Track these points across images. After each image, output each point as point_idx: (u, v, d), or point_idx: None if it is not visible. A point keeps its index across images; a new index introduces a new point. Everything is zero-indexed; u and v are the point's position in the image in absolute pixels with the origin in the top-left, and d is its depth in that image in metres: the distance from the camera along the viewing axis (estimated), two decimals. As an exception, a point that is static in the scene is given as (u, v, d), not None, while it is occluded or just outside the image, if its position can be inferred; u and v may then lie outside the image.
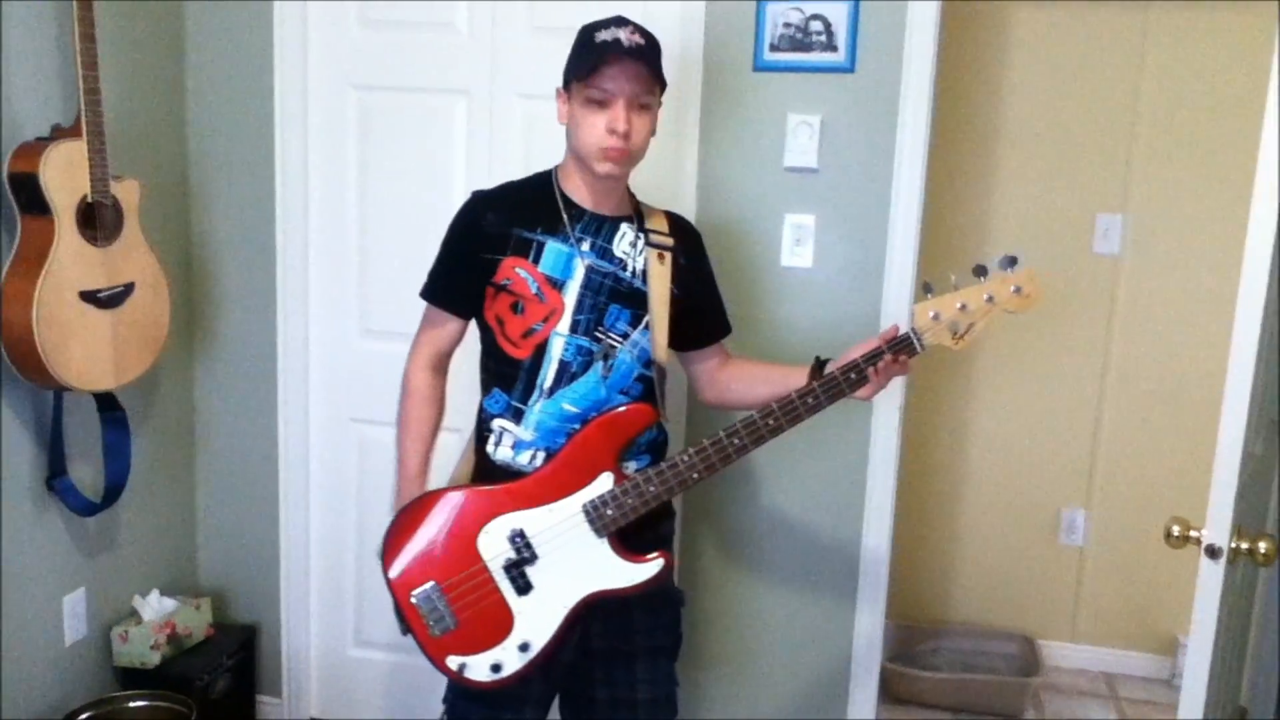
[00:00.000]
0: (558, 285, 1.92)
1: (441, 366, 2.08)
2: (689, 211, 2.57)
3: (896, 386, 2.53)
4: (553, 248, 1.92)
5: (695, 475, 1.88)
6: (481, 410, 2.02)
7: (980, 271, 1.88)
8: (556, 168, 2.01)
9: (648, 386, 1.98)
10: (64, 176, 2.24)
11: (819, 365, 1.92)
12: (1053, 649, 3.64)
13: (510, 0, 2.60)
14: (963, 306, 1.88)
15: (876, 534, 2.62)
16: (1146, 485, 3.50)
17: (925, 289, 1.90)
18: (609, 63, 1.82)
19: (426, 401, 2.05)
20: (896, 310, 2.51)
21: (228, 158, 2.83)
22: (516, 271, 1.92)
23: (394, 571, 1.93)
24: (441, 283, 2.02)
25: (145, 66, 2.70)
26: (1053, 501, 3.61)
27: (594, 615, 1.97)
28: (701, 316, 2.11)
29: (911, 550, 3.61)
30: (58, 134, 2.31)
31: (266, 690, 3.06)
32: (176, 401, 2.92)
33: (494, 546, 1.90)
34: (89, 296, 2.31)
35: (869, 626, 2.66)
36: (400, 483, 2.03)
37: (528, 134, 2.65)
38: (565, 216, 1.94)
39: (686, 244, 2.06)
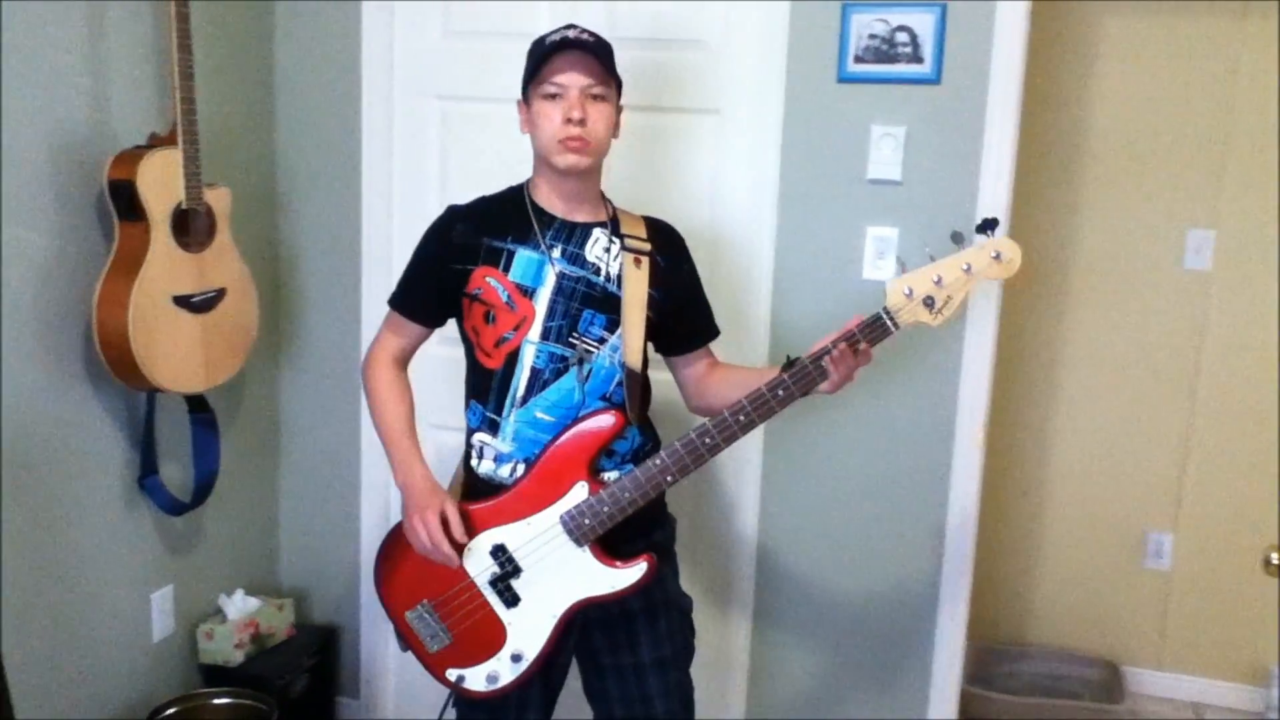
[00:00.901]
0: (528, 293, 1.94)
1: (402, 365, 2.10)
2: (769, 223, 2.56)
3: (979, 401, 2.49)
4: (523, 256, 1.94)
5: (669, 478, 1.88)
6: (466, 425, 2.05)
7: (958, 239, 1.84)
8: (528, 180, 2.04)
9: (634, 392, 1.98)
10: (159, 184, 2.30)
11: (790, 363, 1.88)
12: (1137, 675, 3.54)
13: (591, 8, 2.61)
14: (938, 280, 1.83)
15: (958, 553, 2.58)
16: (1236, 509, 3.39)
17: (899, 265, 1.86)
18: (558, 56, 1.87)
19: (393, 387, 2.05)
20: (980, 322, 2.47)
21: (314, 166, 2.89)
22: (487, 281, 1.94)
23: (387, 593, 2.01)
24: (406, 291, 2.06)
25: (236, 77, 2.77)
26: (1138, 523, 3.51)
27: (595, 629, 2.01)
28: (686, 319, 2.10)
29: (991, 570, 3.54)
30: (154, 142, 2.37)
31: (345, 691, 3.10)
32: (262, 404, 2.99)
33: (479, 563, 1.94)
34: (181, 301, 2.38)
35: (949, 647, 2.61)
36: (398, 479, 1.98)
37: (608, 144, 2.67)
38: (535, 224, 1.96)
39: (665, 247, 2.06)
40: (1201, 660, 3.51)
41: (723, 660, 2.78)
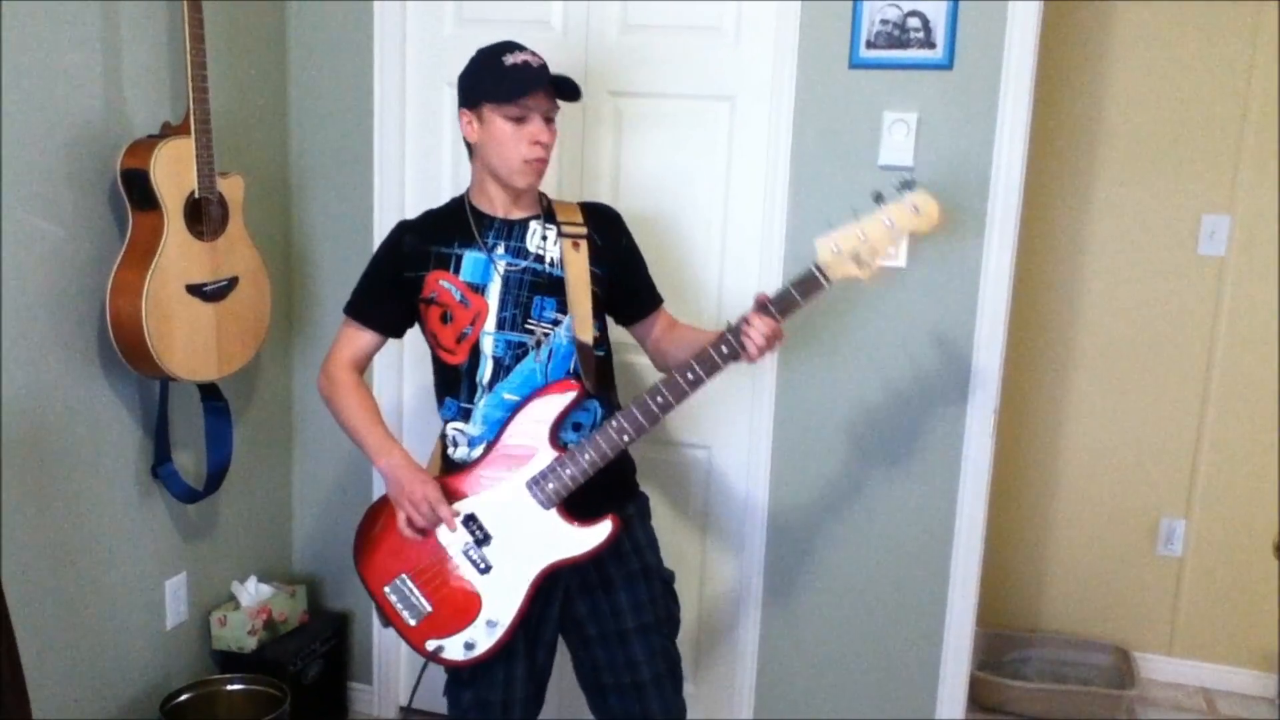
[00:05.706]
0: (479, 289, 2.05)
1: (358, 371, 2.19)
2: (781, 209, 2.56)
3: (991, 386, 2.49)
4: (470, 257, 2.06)
5: (625, 438, 1.97)
6: (442, 420, 2.15)
7: (878, 198, 1.94)
8: (468, 188, 2.14)
9: (589, 365, 2.06)
10: (173, 173, 2.30)
11: (733, 329, 1.96)
12: (1148, 662, 3.54)
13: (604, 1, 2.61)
14: (863, 236, 1.94)
15: (968, 539, 2.58)
16: (1249, 496, 3.38)
17: (828, 225, 1.95)
18: (527, 83, 1.97)
19: (356, 387, 2.16)
20: (993, 309, 2.46)
21: (327, 154, 2.90)
22: (440, 284, 2.06)
23: (366, 569, 2.09)
24: (361, 301, 2.17)
25: (249, 66, 2.77)
26: (1151, 510, 3.50)
27: (579, 599, 2.10)
28: (629, 290, 2.20)
29: (1002, 556, 3.54)
30: (167, 131, 2.37)
31: (358, 677, 3.12)
32: (275, 393, 2.99)
33: (451, 533, 2.02)
34: (195, 289, 2.38)
35: (958, 633, 2.62)
36: (380, 464, 2.08)
37: (617, 131, 2.67)
38: (475, 228, 2.07)
39: (600, 226, 2.15)
40: (1212, 646, 3.51)
41: (733, 646, 2.80)
